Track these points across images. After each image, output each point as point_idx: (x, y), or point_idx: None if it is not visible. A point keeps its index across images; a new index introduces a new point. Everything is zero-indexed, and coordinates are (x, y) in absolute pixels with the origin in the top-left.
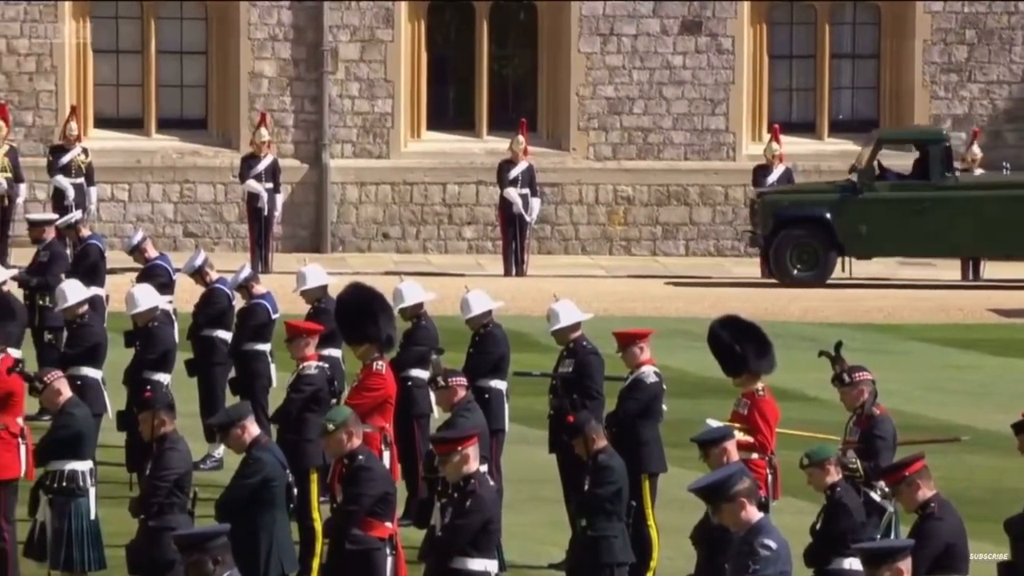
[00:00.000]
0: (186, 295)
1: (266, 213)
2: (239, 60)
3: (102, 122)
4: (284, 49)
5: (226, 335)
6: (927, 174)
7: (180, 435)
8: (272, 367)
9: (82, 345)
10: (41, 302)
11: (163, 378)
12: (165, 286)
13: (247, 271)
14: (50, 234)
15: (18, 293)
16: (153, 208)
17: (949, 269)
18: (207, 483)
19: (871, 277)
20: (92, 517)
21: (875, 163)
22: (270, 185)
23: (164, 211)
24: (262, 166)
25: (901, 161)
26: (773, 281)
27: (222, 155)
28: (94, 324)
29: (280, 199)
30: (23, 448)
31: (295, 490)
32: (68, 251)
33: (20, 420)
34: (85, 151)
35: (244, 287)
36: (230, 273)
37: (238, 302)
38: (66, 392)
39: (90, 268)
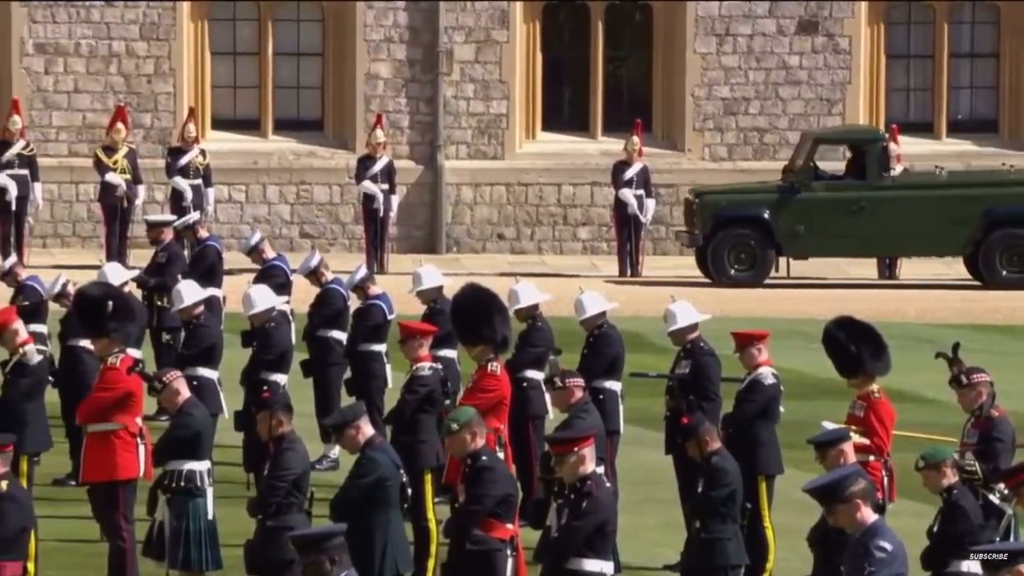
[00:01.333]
0: (302, 296)
1: (382, 214)
2: (355, 61)
3: (219, 124)
4: (400, 50)
5: (341, 336)
6: (863, 174)
7: (297, 435)
8: (388, 368)
9: (198, 346)
10: (159, 303)
11: (280, 378)
12: (282, 287)
13: (363, 272)
14: (168, 235)
15: (137, 294)
16: (270, 209)
17: None
18: (323, 483)
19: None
20: (210, 517)
21: (813, 163)
22: (386, 186)
23: (281, 212)
24: (378, 167)
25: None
26: (890, 282)
27: (338, 156)
28: (210, 325)
29: (395, 200)
30: (142, 448)
31: (409, 490)
32: (186, 252)
33: (139, 420)
34: (203, 153)
35: (360, 288)
36: (346, 274)
37: (354, 303)
38: (184, 392)
39: (207, 269)
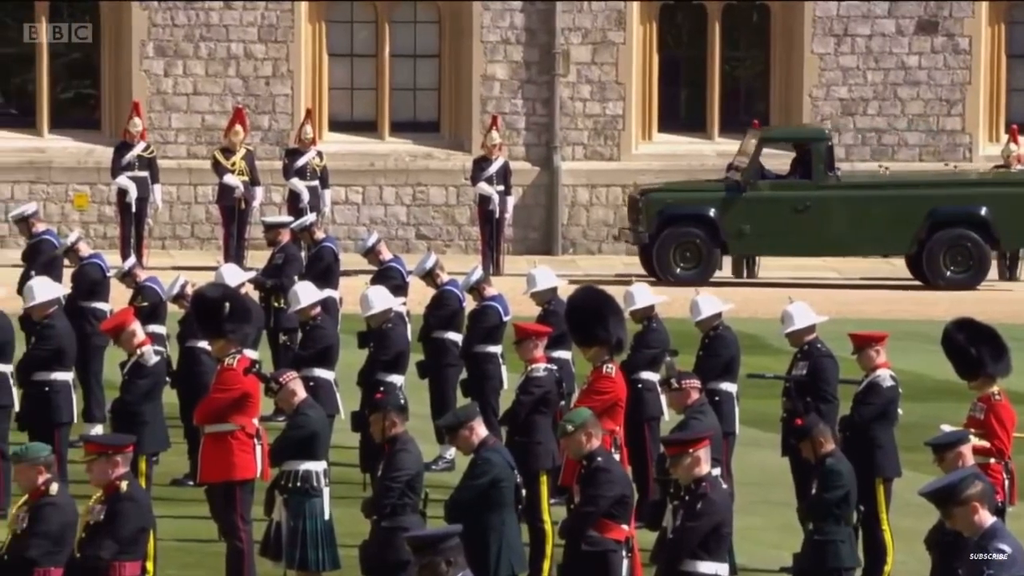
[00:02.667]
0: (417, 297)
1: (497, 215)
2: (471, 63)
3: (336, 125)
4: (516, 52)
5: (457, 337)
6: (809, 173)
7: (410, 436)
8: (503, 369)
9: (315, 347)
10: (276, 304)
11: (396, 379)
12: (399, 288)
13: (478, 273)
14: (285, 236)
15: (254, 295)
16: (386, 211)
17: None
18: (438, 484)
19: None
20: (326, 517)
21: (759, 162)
22: (501, 188)
23: (397, 214)
24: (493, 169)
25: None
26: (1010, 283)
27: (454, 158)
28: (327, 326)
29: (511, 201)
30: (259, 449)
31: (524, 491)
32: (302, 253)
33: (256, 421)
34: (320, 154)
35: (475, 289)
36: (462, 275)
37: (469, 304)
38: (301, 393)
39: (324, 270)
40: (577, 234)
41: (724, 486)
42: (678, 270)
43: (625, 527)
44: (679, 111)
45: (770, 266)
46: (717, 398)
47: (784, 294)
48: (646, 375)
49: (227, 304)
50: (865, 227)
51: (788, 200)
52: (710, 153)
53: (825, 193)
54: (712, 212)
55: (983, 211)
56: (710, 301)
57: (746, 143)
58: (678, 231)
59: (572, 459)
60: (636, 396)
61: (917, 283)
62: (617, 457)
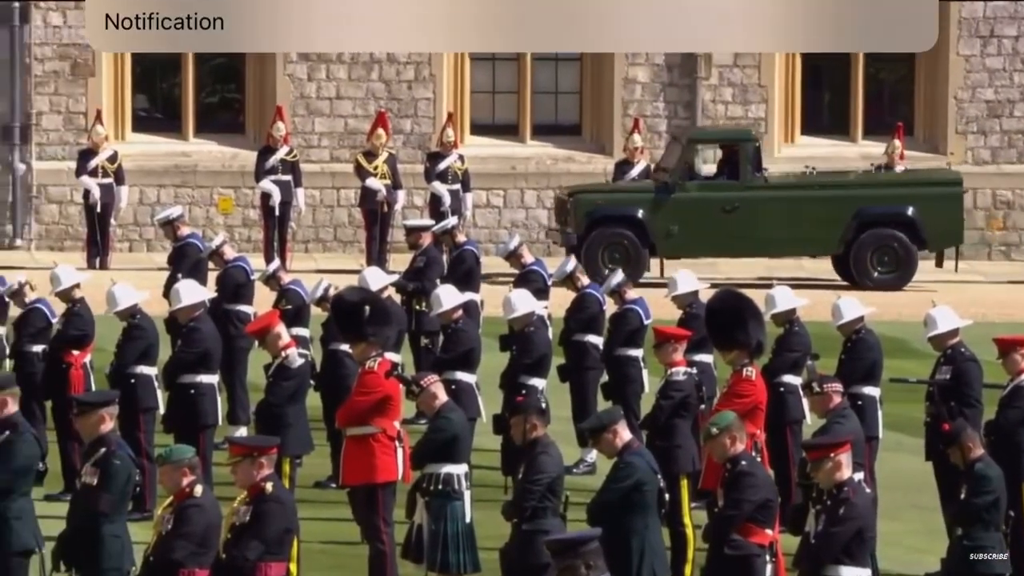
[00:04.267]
0: (558, 300)
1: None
2: (613, 66)
3: (478, 129)
4: (658, 55)
5: (597, 340)
6: (737, 174)
7: (551, 439)
8: (644, 372)
9: (456, 350)
10: (418, 307)
11: (538, 383)
12: (541, 291)
13: (619, 276)
14: (427, 240)
15: (396, 298)
16: (527, 214)
17: None
18: (579, 487)
19: None
20: (467, 520)
21: (687, 163)
22: None
23: (538, 217)
24: (635, 172)
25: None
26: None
27: (595, 161)
28: (468, 329)
29: None
30: (400, 451)
31: (667, 495)
32: (444, 256)
33: (397, 424)
34: (461, 158)
35: (616, 292)
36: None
37: (610, 307)
38: (442, 396)
39: (465, 273)
40: None
41: (867, 490)
42: (607, 272)
43: (769, 531)
44: (822, 114)
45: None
46: (860, 402)
47: (929, 297)
48: (788, 378)
49: (367, 308)
50: (793, 227)
51: (716, 201)
52: (853, 156)
53: (753, 194)
54: (640, 213)
55: (910, 211)
56: (852, 305)
57: (672, 144)
58: (607, 232)
59: (716, 462)
60: (778, 400)
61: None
62: (758, 460)
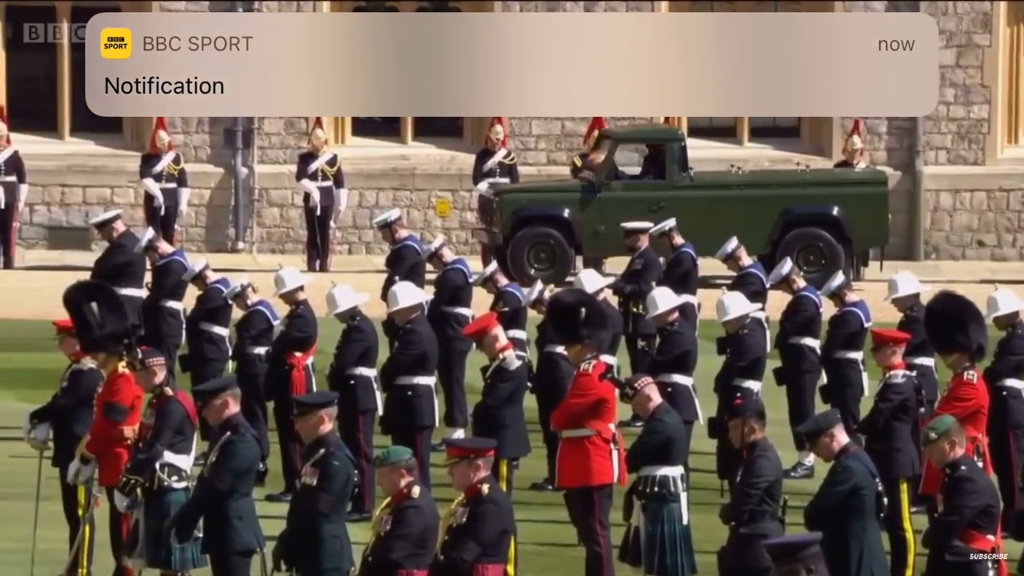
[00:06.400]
0: (776, 303)
1: None
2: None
3: (695, 132)
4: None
5: (814, 343)
6: (663, 173)
7: (769, 442)
8: (864, 375)
9: (672, 352)
10: (634, 309)
11: (753, 385)
12: (757, 294)
13: (839, 279)
14: (644, 242)
15: (612, 300)
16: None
17: None
18: (797, 491)
19: None
20: (684, 522)
21: (613, 162)
22: None
23: None
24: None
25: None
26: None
27: (814, 163)
28: (684, 331)
29: None
30: (615, 454)
31: (885, 499)
32: (661, 259)
33: (612, 426)
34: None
35: (836, 295)
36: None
37: (828, 309)
38: (656, 398)
39: (682, 276)
40: (940, 239)
41: None
42: (532, 271)
43: (991, 537)
44: None
45: None
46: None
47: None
48: (1011, 382)
49: (583, 310)
50: (719, 227)
51: (642, 200)
52: None
53: (678, 193)
54: (567, 212)
55: (835, 211)
56: (1008, 297)
57: (599, 143)
58: (532, 232)
59: (936, 467)
60: (1000, 403)
61: None
62: (980, 465)
